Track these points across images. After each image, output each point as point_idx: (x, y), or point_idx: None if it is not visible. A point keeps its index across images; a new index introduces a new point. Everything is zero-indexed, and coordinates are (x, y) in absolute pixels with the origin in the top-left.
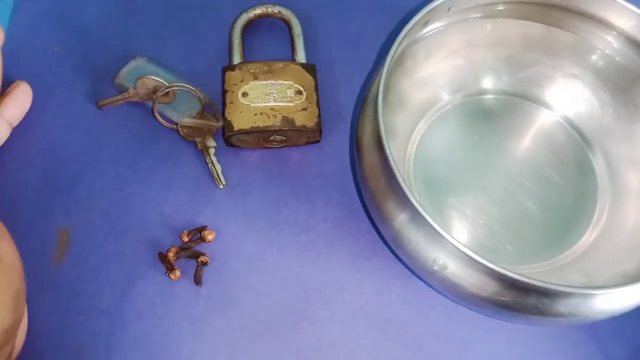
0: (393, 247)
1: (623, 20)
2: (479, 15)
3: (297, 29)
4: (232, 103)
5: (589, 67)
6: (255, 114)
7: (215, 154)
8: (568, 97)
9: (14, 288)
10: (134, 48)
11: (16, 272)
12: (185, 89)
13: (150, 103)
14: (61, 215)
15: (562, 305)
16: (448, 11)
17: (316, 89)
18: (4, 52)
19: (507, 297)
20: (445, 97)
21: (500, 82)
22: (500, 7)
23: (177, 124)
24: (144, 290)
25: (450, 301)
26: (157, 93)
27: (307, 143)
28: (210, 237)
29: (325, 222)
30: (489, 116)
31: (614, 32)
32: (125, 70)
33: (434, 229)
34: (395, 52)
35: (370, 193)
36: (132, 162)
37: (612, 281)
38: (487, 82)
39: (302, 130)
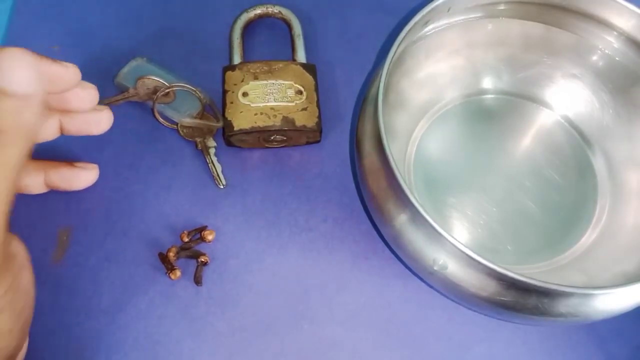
0: (393, 247)
1: (623, 20)
2: (479, 15)
3: (297, 29)
4: (232, 103)
5: (589, 67)
6: (256, 114)
7: (216, 154)
8: (568, 97)
9: (25, 315)
10: (134, 48)
11: (30, 301)
12: (186, 89)
13: (150, 103)
14: (61, 215)
15: (562, 305)
16: (448, 11)
17: (316, 89)
18: None
19: (507, 297)
20: (445, 97)
21: (501, 82)
22: (501, 7)
23: (177, 124)
24: (144, 290)
25: (450, 301)
26: (158, 93)
27: (307, 143)
28: (210, 237)
29: (325, 222)
30: (489, 116)
31: (614, 32)
32: (125, 70)
33: (434, 229)
34: (395, 52)
35: (370, 193)
36: (132, 162)
37: (612, 281)
38: (487, 82)
39: (303, 130)
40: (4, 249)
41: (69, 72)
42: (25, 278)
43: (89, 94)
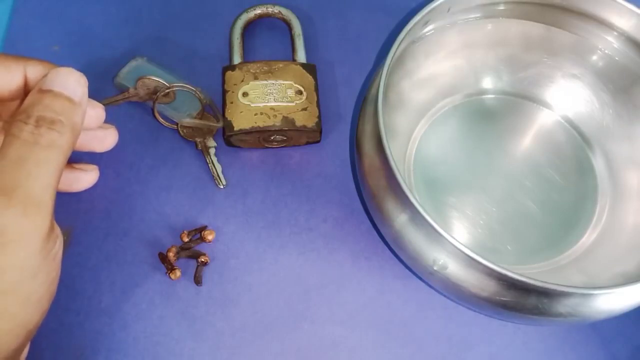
0: (393, 247)
1: (623, 20)
2: (479, 15)
3: (297, 28)
4: (232, 103)
5: (589, 67)
6: (256, 114)
7: (216, 154)
8: (568, 97)
9: (53, 290)
10: (134, 48)
11: (57, 278)
12: (186, 89)
13: (150, 103)
14: (61, 215)
15: (562, 305)
16: (448, 11)
17: (316, 89)
18: (4, 51)
19: (507, 297)
20: (445, 97)
21: (501, 82)
22: (501, 7)
23: (177, 124)
24: (144, 290)
25: (451, 301)
26: (158, 93)
27: (307, 143)
28: (210, 237)
29: (325, 222)
30: (489, 116)
31: (614, 32)
32: (125, 70)
33: (434, 229)
34: (395, 52)
35: (370, 193)
36: (133, 163)
37: (612, 281)
38: (487, 82)
39: (303, 130)
40: (51, 217)
41: (96, 113)
42: (60, 253)
43: (97, 112)
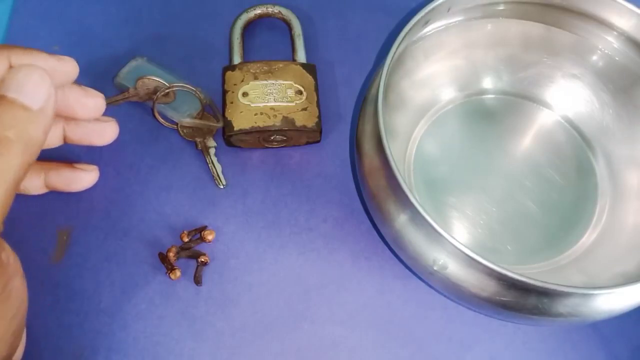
0: (393, 247)
1: (623, 20)
2: (479, 15)
3: (297, 29)
4: (232, 103)
5: (589, 67)
6: (256, 114)
7: (216, 154)
8: (568, 97)
9: (17, 323)
10: (134, 48)
11: (23, 308)
12: (186, 89)
13: (150, 103)
14: (61, 215)
15: (562, 305)
16: (448, 11)
17: (316, 89)
18: None
19: (507, 297)
20: (445, 97)
21: (501, 82)
22: (501, 7)
23: (177, 124)
24: (144, 290)
25: (451, 301)
26: (158, 93)
27: (307, 143)
28: (210, 237)
29: (325, 222)
30: (489, 116)
31: (614, 32)
32: (125, 70)
33: (434, 229)
34: (395, 52)
35: (370, 193)
36: (132, 162)
37: (612, 281)
38: (487, 82)
39: (303, 130)
40: None
41: (66, 66)
42: (17, 287)
43: (95, 102)
